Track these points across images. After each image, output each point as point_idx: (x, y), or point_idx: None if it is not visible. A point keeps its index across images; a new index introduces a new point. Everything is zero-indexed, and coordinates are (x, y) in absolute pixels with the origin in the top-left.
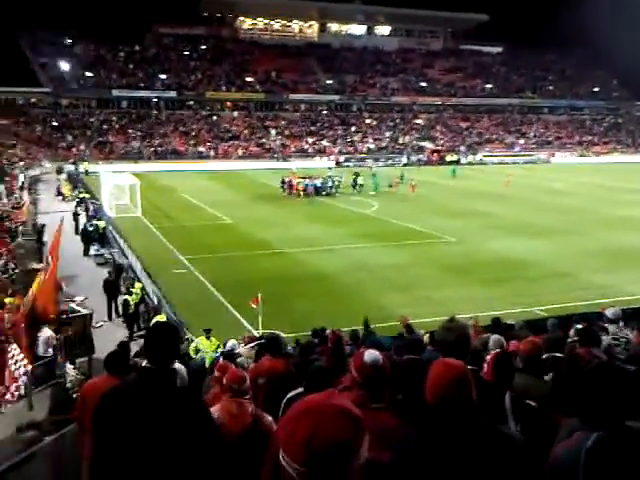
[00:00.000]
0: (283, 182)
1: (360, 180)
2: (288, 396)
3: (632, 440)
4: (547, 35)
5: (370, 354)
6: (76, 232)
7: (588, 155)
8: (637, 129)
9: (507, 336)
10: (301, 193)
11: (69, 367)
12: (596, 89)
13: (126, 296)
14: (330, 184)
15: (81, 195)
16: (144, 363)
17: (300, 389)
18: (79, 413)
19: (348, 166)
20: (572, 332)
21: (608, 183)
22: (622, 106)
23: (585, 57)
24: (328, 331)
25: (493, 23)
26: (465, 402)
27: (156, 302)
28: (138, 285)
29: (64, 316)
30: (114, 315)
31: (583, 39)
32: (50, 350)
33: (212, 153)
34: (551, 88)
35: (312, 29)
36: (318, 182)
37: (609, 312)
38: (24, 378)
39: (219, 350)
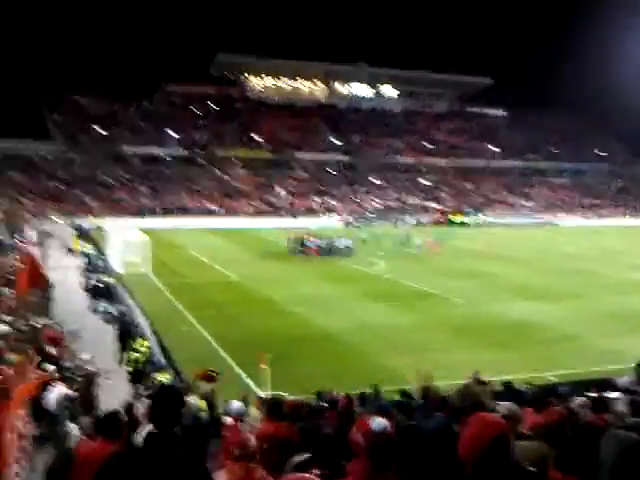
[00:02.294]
0: (300, 243)
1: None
2: (296, 461)
3: None
4: (550, 98)
5: (378, 422)
6: (85, 289)
7: (594, 218)
8: None
9: (520, 403)
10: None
11: (73, 426)
12: (599, 152)
13: (134, 354)
14: (343, 244)
15: (86, 250)
16: (148, 428)
17: (307, 455)
18: (76, 478)
19: (359, 226)
20: (578, 401)
21: (618, 246)
22: (626, 169)
23: (588, 120)
24: (336, 393)
25: (497, 86)
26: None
27: (162, 361)
28: (145, 343)
29: (70, 374)
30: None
31: (586, 102)
32: (61, 409)
33: (220, 210)
34: (555, 151)
35: (319, 90)
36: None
37: (621, 381)
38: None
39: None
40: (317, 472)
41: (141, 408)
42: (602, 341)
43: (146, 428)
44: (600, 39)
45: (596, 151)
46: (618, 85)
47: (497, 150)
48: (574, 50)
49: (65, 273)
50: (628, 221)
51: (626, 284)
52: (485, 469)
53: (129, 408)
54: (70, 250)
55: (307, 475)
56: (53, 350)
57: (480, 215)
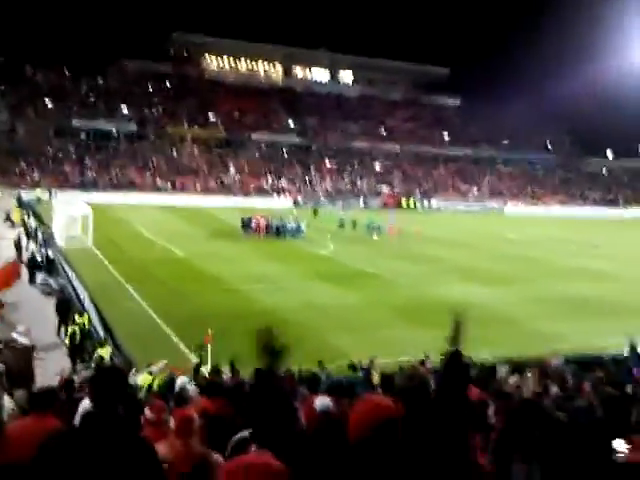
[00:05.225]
0: (244, 222)
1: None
2: (235, 440)
3: None
4: (504, 90)
5: (321, 402)
6: (18, 260)
7: (538, 204)
8: (585, 184)
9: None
10: (261, 234)
11: (6, 399)
12: (548, 144)
13: (73, 327)
14: (294, 225)
15: (27, 222)
16: (88, 405)
17: (245, 433)
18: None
19: (306, 205)
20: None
21: (559, 234)
22: (572, 161)
23: (540, 112)
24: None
25: (453, 76)
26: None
27: (102, 335)
28: (85, 317)
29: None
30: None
31: (539, 95)
32: None
33: (169, 187)
34: (505, 141)
35: (277, 72)
36: (284, 223)
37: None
38: None
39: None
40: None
41: (78, 382)
42: (542, 324)
43: (84, 404)
44: (557, 32)
45: (546, 143)
46: (572, 79)
47: (449, 138)
48: (530, 43)
49: (3, 244)
50: (569, 209)
51: (567, 270)
52: (371, 452)
53: (67, 383)
54: (10, 220)
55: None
56: None
57: (429, 201)
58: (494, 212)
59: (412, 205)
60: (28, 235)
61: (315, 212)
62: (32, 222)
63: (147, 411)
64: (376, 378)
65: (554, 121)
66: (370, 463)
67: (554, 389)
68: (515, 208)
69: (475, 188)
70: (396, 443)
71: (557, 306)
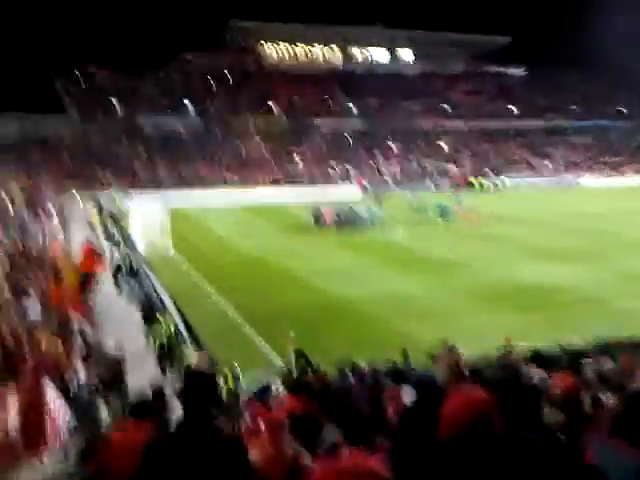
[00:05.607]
0: (315, 214)
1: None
2: (328, 441)
3: None
4: (570, 56)
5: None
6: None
7: (614, 175)
8: None
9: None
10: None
11: (103, 408)
12: (621, 109)
13: (160, 333)
14: (366, 215)
15: (109, 227)
16: (181, 411)
17: (335, 434)
18: (102, 463)
19: (375, 191)
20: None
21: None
22: None
23: (609, 77)
24: (364, 365)
25: (515, 45)
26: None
27: (187, 338)
28: (171, 322)
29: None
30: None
31: (606, 59)
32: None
33: (237, 180)
34: (575, 109)
35: (335, 55)
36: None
37: None
38: (63, 423)
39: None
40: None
41: (169, 388)
42: (626, 302)
43: (176, 408)
44: None
45: (619, 108)
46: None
47: (516, 110)
48: (594, 6)
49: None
50: None
51: None
52: (465, 449)
53: (158, 390)
54: (90, 225)
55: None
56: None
57: (500, 178)
58: (569, 186)
59: (482, 184)
60: (110, 241)
61: (379, 201)
62: (112, 227)
63: (246, 415)
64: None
65: (625, 85)
66: (464, 461)
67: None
68: (591, 180)
69: (548, 161)
70: (492, 440)
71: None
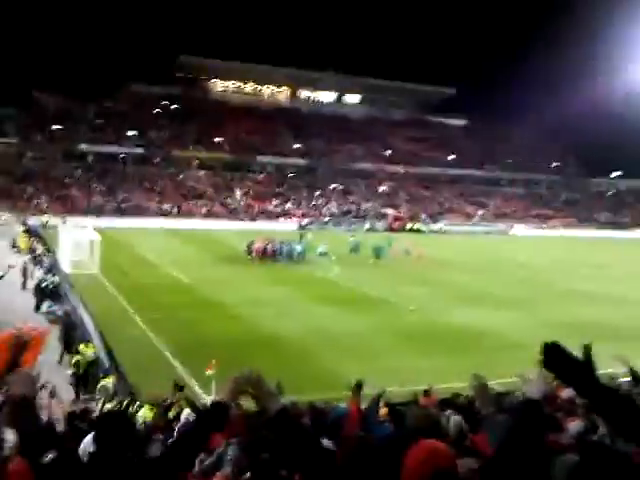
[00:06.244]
0: (249, 246)
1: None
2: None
3: None
4: (509, 111)
5: None
6: (23, 287)
7: (544, 227)
8: (593, 205)
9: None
10: (262, 257)
11: (9, 432)
12: (554, 164)
13: (77, 356)
14: (299, 249)
15: (34, 248)
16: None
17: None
18: None
19: (310, 229)
20: None
21: (567, 257)
22: (578, 182)
23: (545, 133)
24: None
25: (459, 96)
26: None
27: (107, 365)
28: (90, 346)
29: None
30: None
31: (543, 115)
32: None
33: (175, 211)
34: (510, 162)
35: (282, 94)
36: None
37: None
38: None
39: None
40: None
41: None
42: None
43: (88, 438)
44: (561, 52)
45: (551, 164)
46: (575, 100)
47: (454, 159)
48: (534, 64)
49: (9, 271)
50: (576, 232)
51: (576, 294)
52: None
53: (70, 415)
54: (16, 247)
55: None
56: None
57: (436, 224)
58: (501, 234)
59: (418, 228)
60: (35, 262)
61: (301, 237)
62: (38, 248)
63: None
64: (383, 411)
65: (559, 141)
66: None
67: None
68: (521, 230)
69: (481, 210)
70: None
71: (566, 331)
